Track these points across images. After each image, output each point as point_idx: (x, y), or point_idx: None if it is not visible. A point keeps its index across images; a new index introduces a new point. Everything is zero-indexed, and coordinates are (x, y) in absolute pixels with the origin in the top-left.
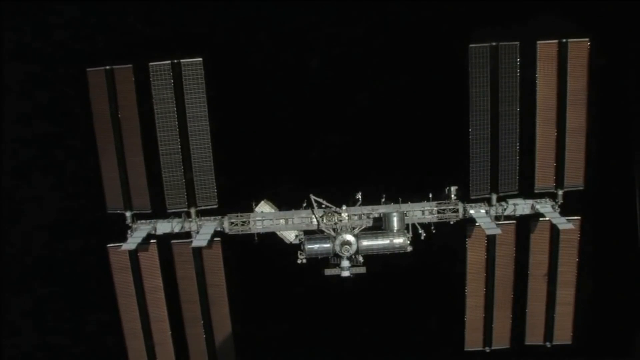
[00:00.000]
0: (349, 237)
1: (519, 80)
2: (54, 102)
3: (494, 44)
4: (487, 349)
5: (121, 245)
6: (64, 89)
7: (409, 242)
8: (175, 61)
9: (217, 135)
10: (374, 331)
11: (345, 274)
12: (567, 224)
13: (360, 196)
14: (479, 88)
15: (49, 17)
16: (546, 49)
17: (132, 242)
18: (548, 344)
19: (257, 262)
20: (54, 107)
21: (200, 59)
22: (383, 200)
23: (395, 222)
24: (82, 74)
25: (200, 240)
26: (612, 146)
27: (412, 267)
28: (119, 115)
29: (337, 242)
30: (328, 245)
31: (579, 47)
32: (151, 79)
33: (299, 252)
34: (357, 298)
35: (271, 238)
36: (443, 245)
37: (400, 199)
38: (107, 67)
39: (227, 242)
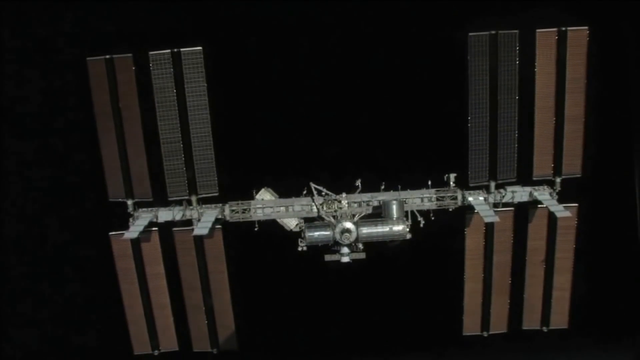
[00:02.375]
0: (349, 225)
1: (517, 68)
2: (54, 91)
3: (493, 32)
4: (485, 334)
5: (123, 234)
6: (64, 78)
7: (408, 229)
8: (175, 50)
9: (218, 124)
10: (374, 316)
11: (345, 259)
12: (564, 212)
13: (359, 183)
14: (478, 76)
15: (48, 6)
16: (545, 37)
17: (134, 230)
18: (545, 329)
19: (258, 248)
20: (54, 97)
21: (200, 47)
22: (382, 187)
23: (394, 210)
24: (82, 63)
25: (201, 228)
26: (610, 134)
27: (412, 253)
28: (120, 105)
29: (337, 229)
30: (328, 232)
31: (578, 36)
32: (151, 68)
33: (299, 239)
34: (357, 284)
35: (272, 225)
36: (441, 232)
37: (399, 187)
38: (107, 57)
39: (229, 229)
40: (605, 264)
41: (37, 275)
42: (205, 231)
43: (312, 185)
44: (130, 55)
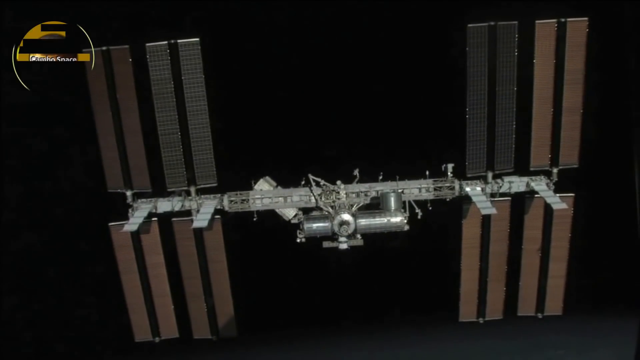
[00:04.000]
0: (347, 217)
1: (516, 59)
2: (51, 83)
3: (492, 23)
4: (481, 320)
5: (123, 226)
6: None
7: (405, 221)
8: (172, 41)
9: (216, 114)
10: (372, 304)
11: (343, 246)
12: (560, 204)
13: (358, 173)
14: (477, 67)
15: None
16: (544, 28)
17: (133, 222)
18: (539, 315)
19: (257, 238)
20: (52, 89)
21: (197, 39)
22: (380, 177)
23: (392, 202)
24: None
25: (200, 220)
26: (608, 124)
27: (409, 242)
28: (117, 96)
29: (336, 222)
30: (327, 224)
31: (578, 27)
32: (148, 60)
33: (298, 231)
34: (356, 273)
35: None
36: (439, 221)
37: (397, 177)
38: (104, 48)
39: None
40: (601, 252)
41: (37, 264)
42: (204, 223)
43: (311, 177)
44: (127, 46)
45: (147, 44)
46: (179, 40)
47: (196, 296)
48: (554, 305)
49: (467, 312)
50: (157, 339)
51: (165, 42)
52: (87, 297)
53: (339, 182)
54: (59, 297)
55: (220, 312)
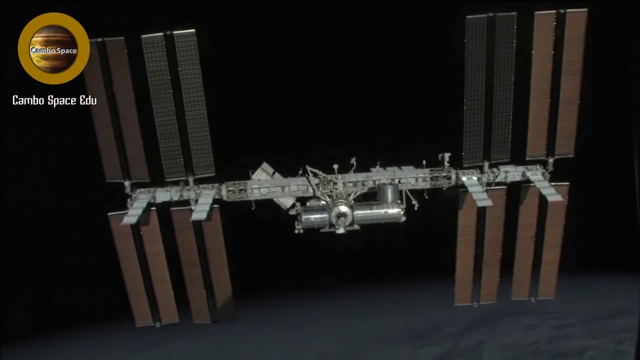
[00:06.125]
0: (345, 209)
1: (514, 51)
2: None
3: (491, 14)
4: (475, 304)
5: (122, 217)
6: None
7: (402, 212)
8: (168, 33)
9: (213, 105)
10: (370, 292)
11: (340, 231)
12: (555, 196)
13: (354, 161)
14: (475, 59)
15: None
16: (544, 19)
17: (133, 214)
18: (532, 299)
19: (255, 225)
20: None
21: (193, 30)
22: (378, 166)
23: (389, 194)
24: None
25: (199, 212)
26: (606, 116)
27: (407, 230)
28: (113, 88)
29: (333, 214)
30: (325, 215)
31: (577, 18)
32: (144, 52)
33: (296, 222)
34: (354, 255)
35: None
36: (435, 209)
37: (394, 166)
38: (99, 40)
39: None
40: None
41: (39, 255)
42: (203, 215)
43: (308, 168)
44: (122, 38)
45: (143, 36)
46: (174, 32)
47: (195, 282)
48: (547, 289)
49: (461, 296)
50: (157, 324)
51: (161, 33)
52: (88, 285)
53: (335, 167)
54: (58, 286)
55: (219, 298)
